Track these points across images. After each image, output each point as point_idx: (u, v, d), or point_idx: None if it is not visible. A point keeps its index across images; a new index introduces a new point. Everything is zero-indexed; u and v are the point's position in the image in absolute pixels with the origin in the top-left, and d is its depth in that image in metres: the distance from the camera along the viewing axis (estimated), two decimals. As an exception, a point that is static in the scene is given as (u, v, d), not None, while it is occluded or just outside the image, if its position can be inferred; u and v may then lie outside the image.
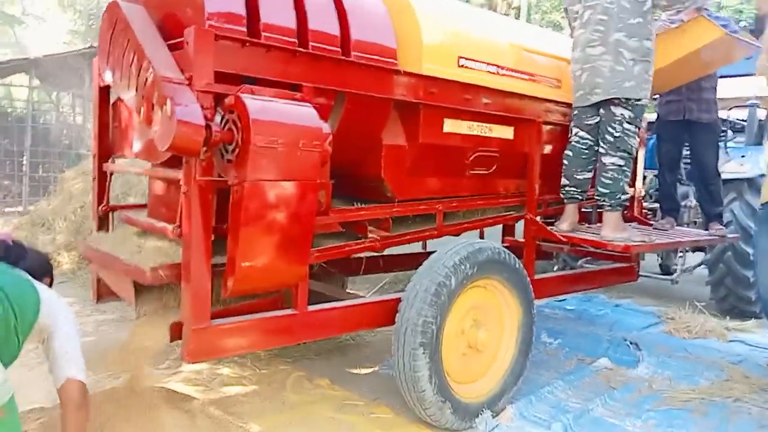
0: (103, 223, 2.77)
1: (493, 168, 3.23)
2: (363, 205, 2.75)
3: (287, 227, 2.10)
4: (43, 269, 2.01)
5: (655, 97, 4.53)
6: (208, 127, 1.92)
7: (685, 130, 4.29)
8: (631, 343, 3.94)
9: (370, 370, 3.30)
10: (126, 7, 2.25)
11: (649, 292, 5.87)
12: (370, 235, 2.72)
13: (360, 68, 2.46)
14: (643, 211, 4.47)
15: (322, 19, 2.41)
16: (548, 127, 3.45)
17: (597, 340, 4.01)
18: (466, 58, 2.91)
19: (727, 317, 4.80)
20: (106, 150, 2.75)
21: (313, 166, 2.11)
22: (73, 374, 1.80)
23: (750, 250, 4.87)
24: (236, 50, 2.10)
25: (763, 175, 5.06)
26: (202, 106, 1.95)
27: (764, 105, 5.67)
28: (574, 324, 4.44)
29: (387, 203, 2.85)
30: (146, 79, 2.04)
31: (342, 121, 2.54)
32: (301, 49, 2.26)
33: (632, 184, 3.98)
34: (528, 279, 2.86)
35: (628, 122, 3.11)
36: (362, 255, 3.44)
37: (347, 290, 3.57)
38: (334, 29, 2.44)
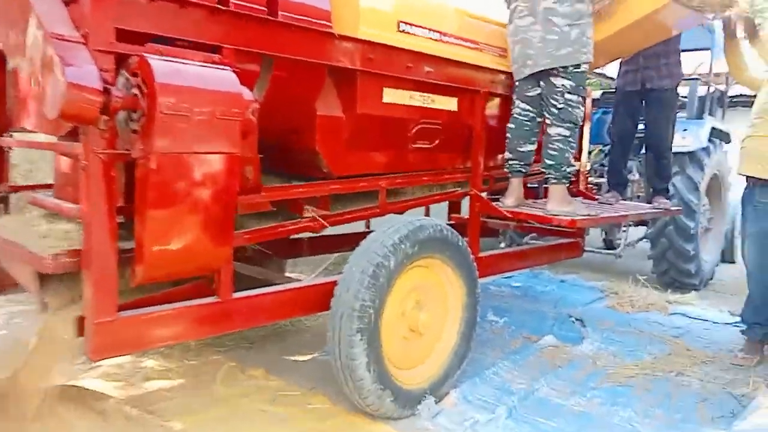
0: (4, 206, 2.46)
1: (437, 141, 3.06)
2: (298, 183, 2.55)
3: (203, 205, 1.87)
4: None
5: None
6: (107, 91, 1.67)
7: (642, 100, 4.19)
8: (576, 320, 3.91)
9: (308, 357, 3.13)
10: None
11: (594, 267, 5.91)
12: (306, 214, 2.52)
13: (288, 29, 2.23)
14: (588, 185, 4.44)
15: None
16: (494, 98, 3.32)
17: (542, 318, 3.97)
18: (407, 23, 2.72)
19: (669, 290, 4.87)
20: (4, 123, 2.43)
21: (232, 137, 1.89)
22: None
23: (691, 224, 4.93)
24: (143, 5, 1.84)
25: (704, 149, 5.12)
26: (100, 69, 1.69)
27: (713, 81, 5.74)
28: (520, 301, 4.39)
29: (325, 180, 2.66)
30: (35, 37, 1.76)
31: (270, 89, 2.31)
32: (220, 7, 2.01)
33: (578, 158, 3.92)
34: (472, 257, 2.73)
35: (569, 92, 3.00)
36: (303, 236, 3.25)
37: (285, 274, 3.37)
38: (259, -14, 2.20)
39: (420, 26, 2.78)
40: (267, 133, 2.46)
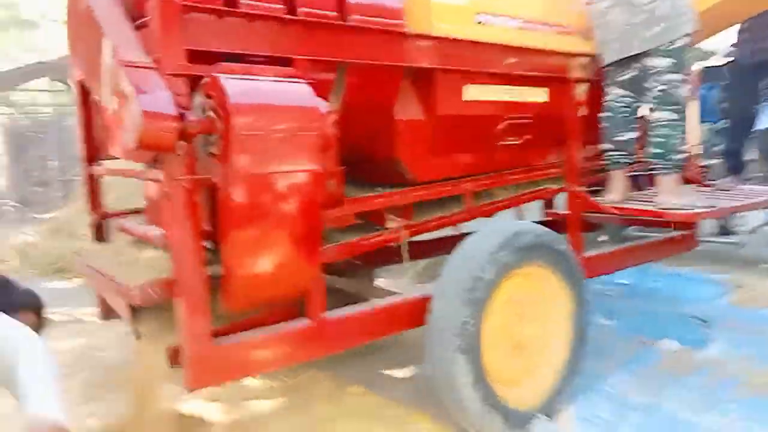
0: (99, 234, 2.52)
1: (527, 136, 2.84)
2: (380, 191, 2.43)
3: (288, 226, 1.79)
4: (26, 303, 1.77)
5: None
6: (182, 116, 1.62)
7: (760, 74, 3.75)
8: (697, 320, 3.52)
9: (408, 373, 3.00)
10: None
11: (712, 257, 5.35)
12: (389, 224, 2.39)
13: (360, 33, 2.12)
14: (700, 169, 4.02)
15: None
16: (588, 84, 3.04)
17: (658, 318, 3.60)
18: (484, 13, 2.53)
19: (802, 281, 4.31)
20: (93, 152, 2.49)
21: (312, 152, 1.79)
22: (45, 414, 1.52)
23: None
24: (212, 23, 1.78)
25: None
26: (174, 94, 1.65)
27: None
28: (629, 300, 4.03)
29: (408, 186, 2.52)
30: (109, 65, 1.74)
31: (346, 97, 2.20)
32: (289, 17, 1.93)
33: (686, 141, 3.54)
34: (577, 262, 2.48)
35: (668, 72, 2.69)
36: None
37: (377, 285, 3.26)
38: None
39: (499, 15, 2.58)
40: (345, 143, 2.37)
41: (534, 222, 2.41)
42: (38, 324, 1.83)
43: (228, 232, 1.70)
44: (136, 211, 2.57)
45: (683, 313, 3.62)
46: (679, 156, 2.74)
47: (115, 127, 1.92)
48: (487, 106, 2.63)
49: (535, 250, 2.31)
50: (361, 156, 2.58)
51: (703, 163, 4.82)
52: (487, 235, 2.25)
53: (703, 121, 5.28)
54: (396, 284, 4.14)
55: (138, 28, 1.80)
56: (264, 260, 1.77)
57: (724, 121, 5.40)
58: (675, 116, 2.71)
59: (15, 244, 6.47)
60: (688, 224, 3.43)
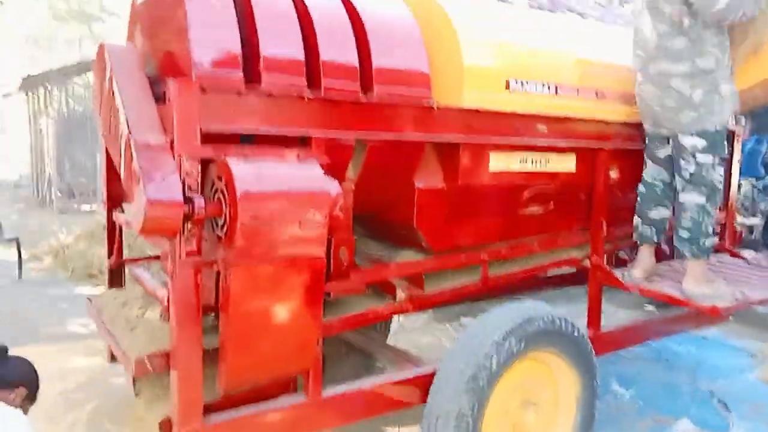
0: (115, 278, 2.55)
1: (551, 205, 2.77)
2: (390, 262, 2.39)
3: (289, 308, 1.77)
4: (19, 378, 1.81)
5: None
6: (189, 201, 1.61)
7: None
8: (718, 400, 3.38)
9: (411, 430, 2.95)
10: (112, 51, 1.98)
11: (743, 320, 5.15)
12: (399, 296, 2.35)
13: (383, 110, 2.09)
14: (736, 230, 3.84)
15: (336, 47, 2.02)
16: (620, 153, 2.93)
17: (677, 393, 3.47)
18: (517, 80, 2.46)
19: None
20: (116, 198, 2.52)
21: (319, 238, 1.77)
22: None
23: None
24: (231, 102, 1.78)
25: None
26: (187, 175, 1.65)
27: None
28: (650, 367, 3.89)
29: (423, 252, 2.48)
30: (125, 137, 1.75)
31: (365, 167, 2.17)
32: (309, 95, 1.91)
33: (723, 208, 3.39)
34: (590, 348, 2.40)
35: (702, 152, 2.56)
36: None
37: (388, 344, 3.20)
38: (352, 58, 2.06)
39: (532, 81, 2.51)
40: (364, 207, 2.35)
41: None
42: (31, 398, 1.88)
43: (227, 314, 1.70)
44: (156, 257, 2.60)
45: (704, 389, 3.48)
46: (708, 241, 2.62)
47: (127, 192, 1.94)
48: (512, 176, 2.56)
49: (546, 337, 2.24)
50: (379, 220, 2.56)
51: (742, 222, 4.64)
52: (496, 319, 2.19)
53: (748, 175, 5.09)
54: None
55: (158, 100, 1.80)
56: (261, 344, 1.76)
57: (769, 178, 5.18)
58: (703, 200, 2.59)
59: (51, 245, 6.66)
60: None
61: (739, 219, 4.47)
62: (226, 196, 1.64)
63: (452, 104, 2.27)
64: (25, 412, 1.88)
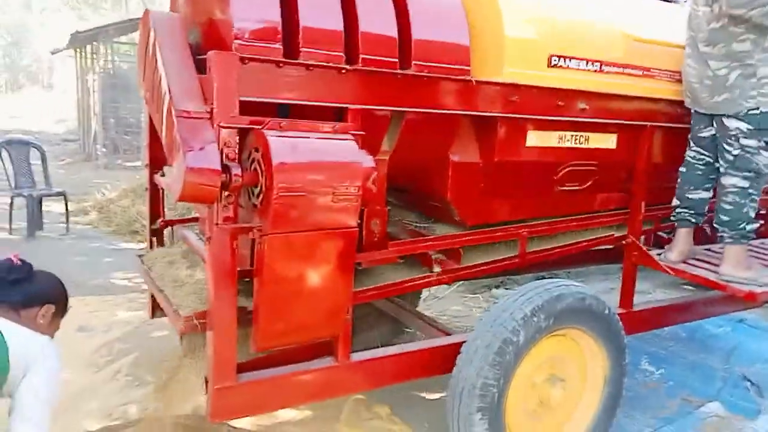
0: (159, 239, 2.65)
1: (589, 183, 2.72)
2: (425, 233, 2.42)
3: (320, 279, 1.82)
4: (47, 296, 1.88)
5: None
6: (227, 169, 1.66)
7: None
8: (751, 384, 3.33)
9: (436, 396, 3.02)
10: (156, 18, 2.01)
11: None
12: (435, 269, 2.38)
13: (421, 83, 2.07)
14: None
15: (376, 19, 2.01)
16: (664, 132, 2.85)
17: (709, 375, 3.43)
18: (560, 56, 2.41)
19: None
20: (157, 161, 2.60)
21: (351, 211, 1.80)
22: None
23: None
24: (270, 72, 1.80)
25: None
26: (225, 144, 1.69)
27: None
28: (683, 347, 3.84)
29: (457, 225, 2.49)
30: (166, 104, 1.80)
31: (401, 139, 2.18)
32: (347, 67, 1.91)
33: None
34: (620, 326, 2.39)
35: (745, 137, 2.48)
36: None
37: (419, 311, 3.24)
38: (392, 30, 2.04)
39: (576, 58, 2.45)
40: (399, 179, 2.36)
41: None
42: (60, 312, 1.93)
43: (261, 281, 1.76)
44: (196, 219, 2.68)
45: (738, 372, 3.43)
46: (749, 227, 2.55)
47: (168, 157, 2.00)
48: (550, 152, 2.52)
49: (575, 314, 2.25)
50: (415, 192, 2.57)
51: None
52: (526, 294, 2.20)
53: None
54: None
55: (201, 71, 1.84)
56: (293, 310, 1.82)
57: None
58: (746, 184, 2.51)
59: (96, 200, 6.90)
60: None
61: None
62: (263, 166, 1.68)
63: (492, 78, 2.24)
64: (57, 326, 1.93)
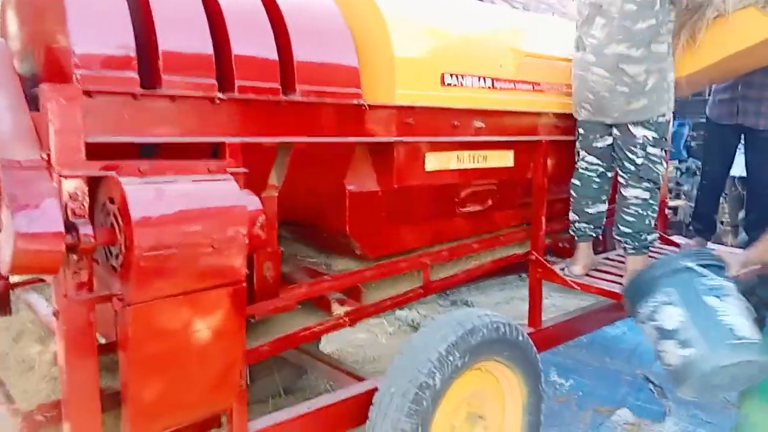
0: (3, 306, 2.21)
1: (490, 202, 2.64)
2: (325, 272, 2.20)
3: (203, 347, 1.54)
4: None
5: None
6: (73, 228, 1.34)
7: (739, 136, 3.47)
8: (654, 385, 3.41)
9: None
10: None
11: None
12: (335, 311, 2.16)
13: (309, 109, 1.86)
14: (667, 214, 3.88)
15: (251, 40, 1.78)
16: (558, 145, 2.83)
17: (615, 381, 3.48)
18: (453, 74, 2.30)
19: None
20: None
21: (235, 262, 1.54)
22: None
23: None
24: (124, 107, 1.50)
25: None
26: (70, 197, 1.37)
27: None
28: (587, 353, 3.89)
29: (359, 259, 2.29)
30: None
31: (290, 174, 1.95)
32: (220, 96, 1.65)
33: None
34: (535, 352, 2.30)
35: (652, 145, 2.49)
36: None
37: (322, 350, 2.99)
38: (270, 52, 1.81)
39: (468, 75, 2.35)
40: (292, 213, 2.13)
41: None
42: None
43: (126, 356, 1.44)
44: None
45: (640, 374, 3.51)
46: (650, 237, 2.57)
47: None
48: (450, 174, 2.40)
49: (492, 345, 2.11)
50: (311, 226, 2.35)
51: (668, 203, 4.71)
52: (437, 330, 2.03)
53: (672, 158, 5.20)
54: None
55: (33, 108, 1.50)
56: (173, 383, 1.52)
57: (692, 159, 5.31)
58: (647, 195, 2.53)
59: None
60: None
61: (668, 202, 4.53)
62: (120, 221, 1.38)
63: (384, 101, 2.07)
64: None
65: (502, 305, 5.40)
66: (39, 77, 1.66)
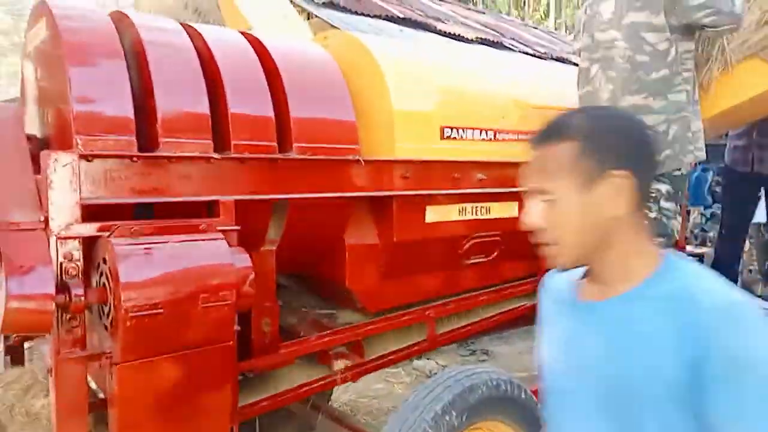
0: (16, 357, 2.26)
1: (496, 253, 2.62)
2: (327, 326, 2.20)
3: (192, 406, 1.55)
4: None
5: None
6: (66, 288, 1.39)
7: (759, 184, 3.41)
8: None
9: None
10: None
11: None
12: (335, 365, 2.15)
13: (306, 166, 1.90)
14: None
15: (248, 99, 1.84)
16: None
17: None
18: (453, 127, 2.32)
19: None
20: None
21: (224, 323, 1.56)
22: None
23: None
24: (123, 169, 1.56)
25: None
26: (65, 258, 1.43)
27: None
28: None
29: (359, 318, 2.29)
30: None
31: (288, 228, 1.98)
32: (215, 156, 1.71)
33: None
34: (537, 407, 2.23)
35: (666, 199, 2.45)
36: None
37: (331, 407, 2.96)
38: (267, 110, 1.87)
39: (469, 128, 2.37)
40: (292, 267, 2.16)
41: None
42: None
43: (117, 414, 1.46)
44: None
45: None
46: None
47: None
48: (452, 226, 2.40)
49: (491, 405, 2.06)
50: (311, 278, 2.37)
51: (692, 251, 4.60)
52: (433, 388, 2.00)
53: (695, 204, 5.10)
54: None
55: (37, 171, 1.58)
56: (161, 445, 1.53)
57: (717, 205, 5.19)
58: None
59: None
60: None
61: (689, 249, 4.42)
62: (110, 281, 1.42)
63: (383, 156, 2.11)
64: None
65: (525, 355, 5.27)
66: (47, 139, 1.74)
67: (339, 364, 2.15)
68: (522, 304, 2.78)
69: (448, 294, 2.51)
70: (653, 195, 2.44)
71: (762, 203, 3.67)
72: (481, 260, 2.57)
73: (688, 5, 2.29)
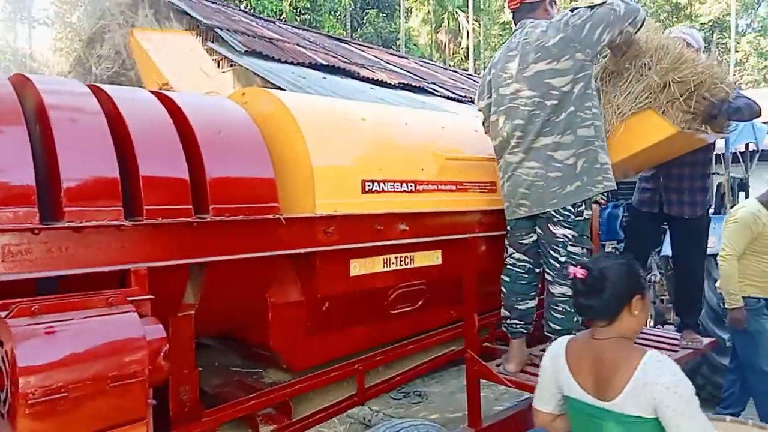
0: None
1: (421, 302, 2.64)
2: (252, 387, 2.13)
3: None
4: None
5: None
6: (-44, 376, 1.28)
7: (662, 224, 3.58)
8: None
9: None
10: None
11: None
12: (264, 429, 2.07)
13: (223, 228, 1.86)
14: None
15: (161, 161, 1.79)
16: (486, 240, 2.90)
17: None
18: (373, 181, 2.36)
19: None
20: None
21: (136, 399, 1.47)
22: None
23: (725, 336, 4.38)
24: (24, 242, 1.47)
25: None
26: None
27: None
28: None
29: (285, 377, 2.24)
30: None
31: (206, 291, 1.92)
32: (125, 223, 1.64)
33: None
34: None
35: (572, 244, 2.57)
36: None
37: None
38: (181, 171, 1.83)
39: (390, 181, 2.41)
40: (213, 329, 2.09)
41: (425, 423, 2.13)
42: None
43: None
44: None
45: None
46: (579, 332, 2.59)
47: None
48: (377, 278, 2.41)
49: (422, 459, 2.05)
50: (235, 337, 2.29)
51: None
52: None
53: (608, 239, 5.36)
54: None
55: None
56: None
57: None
58: (574, 292, 2.57)
59: None
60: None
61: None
62: (7, 366, 1.32)
63: (304, 212, 2.10)
64: None
65: (457, 394, 5.30)
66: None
67: (266, 429, 2.07)
68: (450, 349, 2.81)
69: (377, 345, 2.50)
70: (561, 240, 2.56)
71: (667, 238, 3.90)
72: (407, 309, 2.59)
73: (594, 39, 2.50)
